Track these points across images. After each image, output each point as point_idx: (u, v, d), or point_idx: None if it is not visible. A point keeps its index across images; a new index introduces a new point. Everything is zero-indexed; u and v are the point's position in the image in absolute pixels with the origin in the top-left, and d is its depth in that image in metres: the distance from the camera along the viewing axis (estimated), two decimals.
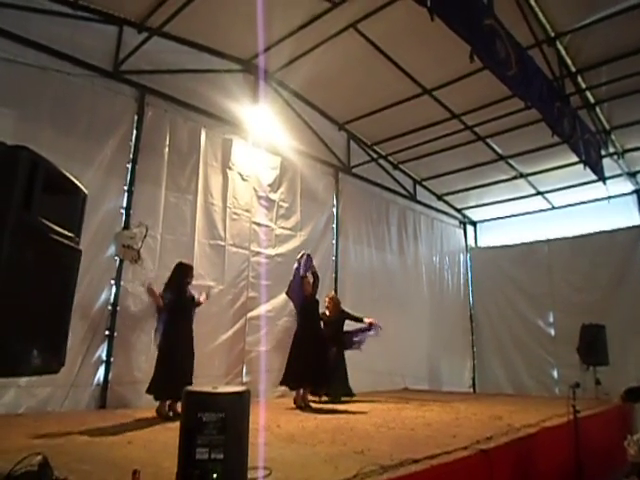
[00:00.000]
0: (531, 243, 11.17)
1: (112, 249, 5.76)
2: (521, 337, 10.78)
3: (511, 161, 9.65)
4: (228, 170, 7.21)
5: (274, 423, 4.55)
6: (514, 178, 10.11)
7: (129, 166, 6.11)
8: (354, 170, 9.41)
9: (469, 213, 12.35)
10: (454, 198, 11.62)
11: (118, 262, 5.82)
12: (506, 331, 11.07)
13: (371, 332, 6.91)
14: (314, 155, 8.65)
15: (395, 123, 8.73)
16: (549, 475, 4.17)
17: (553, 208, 11.00)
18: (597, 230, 10.10)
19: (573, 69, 7.11)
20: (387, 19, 6.33)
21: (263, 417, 4.51)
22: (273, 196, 7.86)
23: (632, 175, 9.56)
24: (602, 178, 7.58)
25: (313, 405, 6.06)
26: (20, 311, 1.88)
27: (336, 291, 8.38)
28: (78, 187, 2.34)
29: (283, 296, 6.80)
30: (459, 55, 4.60)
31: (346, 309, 7.01)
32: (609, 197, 9.55)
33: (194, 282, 5.43)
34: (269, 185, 7.82)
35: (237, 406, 2.31)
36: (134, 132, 6.22)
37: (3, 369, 1.89)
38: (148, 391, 4.88)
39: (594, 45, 6.64)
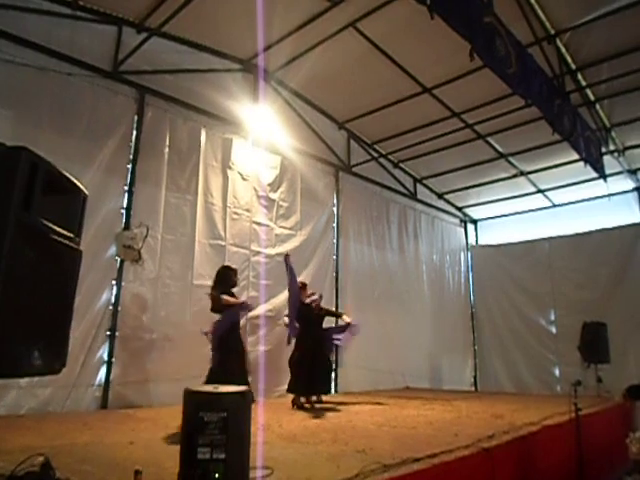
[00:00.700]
0: (532, 241, 11.14)
1: (113, 249, 5.76)
2: (522, 335, 10.76)
3: (511, 159, 9.64)
4: (228, 170, 7.21)
5: (275, 422, 4.56)
6: (514, 176, 10.10)
7: (129, 166, 6.10)
8: (354, 169, 9.40)
9: (470, 211, 12.34)
10: (455, 196, 11.61)
11: (119, 262, 5.82)
12: (507, 329, 11.05)
13: (348, 333, 6.51)
14: (314, 154, 8.63)
15: (395, 122, 8.72)
16: (551, 473, 4.17)
17: (554, 206, 10.98)
18: (598, 228, 10.08)
19: (573, 66, 7.10)
20: (386, 18, 6.32)
21: (264, 417, 4.51)
22: (273, 195, 7.85)
23: (633, 172, 9.55)
24: (603, 176, 7.58)
25: (315, 406, 6.06)
26: (21, 312, 1.88)
27: (337, 290, 8.39)
28: (78, 187, 2.33)
29: (283, 296, 6.79)
30: (459, 53, 4.61)
31: (325, 306, 6.80)
32: (610, 195, 9.51)
33: (195, 282, 5.41)
34: (269, 184, 7.82)
35: (239, 406, 2.31)
36: (134, 132, 6.22)
37: (4, 370, 1.88)
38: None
39: (594, 42, 6.63)
